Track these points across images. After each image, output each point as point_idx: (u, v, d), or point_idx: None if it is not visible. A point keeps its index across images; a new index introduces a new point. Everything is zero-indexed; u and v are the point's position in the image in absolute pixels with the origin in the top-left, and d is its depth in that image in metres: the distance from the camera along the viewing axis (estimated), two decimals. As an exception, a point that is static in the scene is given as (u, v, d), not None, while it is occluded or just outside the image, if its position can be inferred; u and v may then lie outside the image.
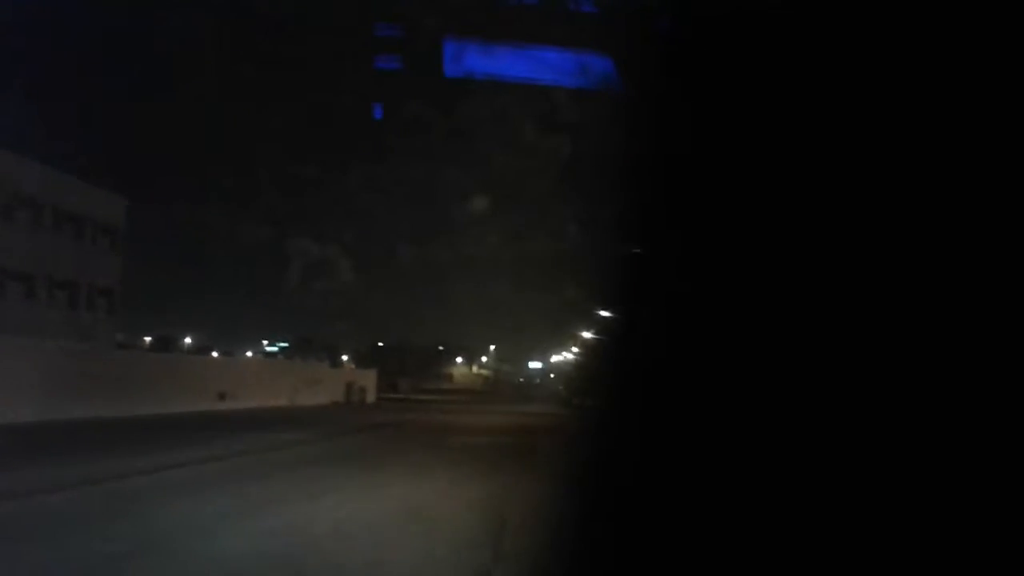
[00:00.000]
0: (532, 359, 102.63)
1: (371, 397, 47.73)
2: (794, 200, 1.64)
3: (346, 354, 77.27)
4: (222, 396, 31.55)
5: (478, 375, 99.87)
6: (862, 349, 1.49)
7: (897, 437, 1.44)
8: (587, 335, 52.15)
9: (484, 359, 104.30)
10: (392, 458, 15.97)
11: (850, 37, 1.57)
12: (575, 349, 65.01)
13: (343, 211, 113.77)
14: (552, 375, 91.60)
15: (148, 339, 64.86)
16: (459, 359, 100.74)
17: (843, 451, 1.49)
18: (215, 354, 57.63)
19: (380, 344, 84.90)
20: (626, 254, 2.25)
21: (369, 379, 50.65)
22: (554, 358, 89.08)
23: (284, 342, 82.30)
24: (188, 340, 68.09)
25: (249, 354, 68.50)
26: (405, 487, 11.41)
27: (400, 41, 12.21)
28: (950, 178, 1.43)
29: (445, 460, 15.39)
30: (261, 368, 45.26)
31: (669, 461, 1.80)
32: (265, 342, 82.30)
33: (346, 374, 52.12)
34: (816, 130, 1.61)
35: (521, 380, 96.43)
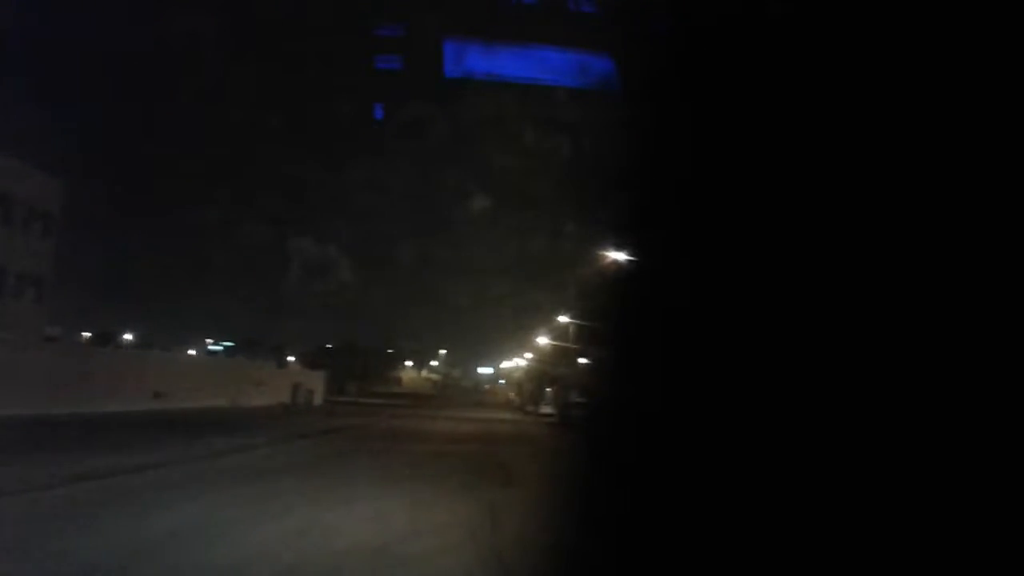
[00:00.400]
0: (481, 364, 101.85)
1: (319, 400, 46.07)
2: (792, 197, 1.66)
3: (293, 355, 74.71)
4: (157, 395, 29.39)
5: (427, 379, 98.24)
6: (857, 346, 1.50)
7: (889, 435, 1.46)
8: (545, 341, 51.59)
9: (434, 363, 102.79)
10: (350, 470, 14.18)
11: (848, 40, 1.61)
12: (529, 355, 64.37)
13: (339, 210, 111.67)
14: (502, 381, 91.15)
15: (87, 334, 61.77)
16: (408, 363, 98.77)
17: (838, 452, 1.50)
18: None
19: (328, 346, 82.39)
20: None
21: (317, 381, 48.97)
22: (504, 364, 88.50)
23: (229, 341, 79.62)
24: (128, 336, 65.17)
25: (192, 352, 66.03)
26: (370, 510, 9.59)
27: (400, 41, 12.56)
28: (950, 183, 1.45)
29: (410, 472, 13.70)
30: (201, 366, 43.14)
31: (669, 467, 1.80)
32: (209, 341, 79.60)
33: (293, 375, 50.31)
34: (816, 129, 1.64)
35: (471, 385, 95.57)
